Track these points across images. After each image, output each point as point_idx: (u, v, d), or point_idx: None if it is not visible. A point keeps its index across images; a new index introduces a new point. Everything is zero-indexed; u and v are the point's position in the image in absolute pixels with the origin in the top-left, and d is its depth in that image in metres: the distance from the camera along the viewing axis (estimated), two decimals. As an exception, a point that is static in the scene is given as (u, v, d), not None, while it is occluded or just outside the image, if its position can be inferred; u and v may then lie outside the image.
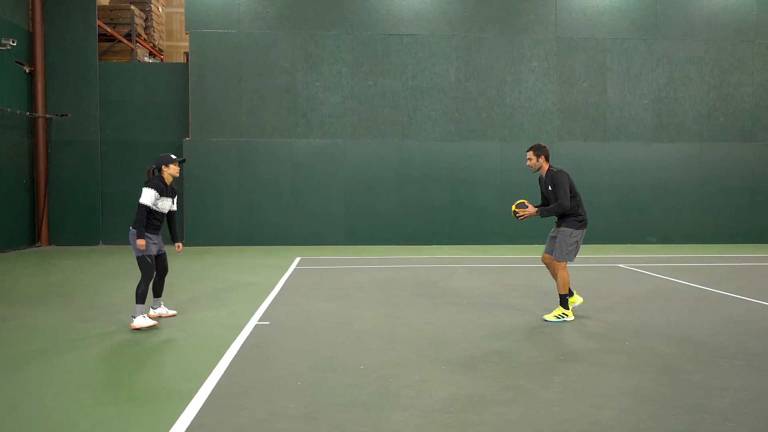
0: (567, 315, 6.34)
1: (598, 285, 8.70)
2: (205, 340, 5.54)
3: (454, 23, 15.20)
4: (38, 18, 14.56)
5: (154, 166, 6.20)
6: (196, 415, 3.67)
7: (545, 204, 6.53)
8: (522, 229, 14.79)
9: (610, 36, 15.47)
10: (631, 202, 15.62)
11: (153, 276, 6.13)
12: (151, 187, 6.03)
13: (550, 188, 6.32)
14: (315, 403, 3.88)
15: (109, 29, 15.46)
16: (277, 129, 14.99)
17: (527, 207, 6.36)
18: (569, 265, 6.43)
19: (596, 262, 11.49)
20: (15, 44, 12.93)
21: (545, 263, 6.59)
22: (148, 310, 6.44)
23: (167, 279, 6.59)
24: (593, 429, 3.47)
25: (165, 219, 6.34)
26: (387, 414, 3.69)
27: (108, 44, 15.79)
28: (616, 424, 3.52)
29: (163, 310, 6.52)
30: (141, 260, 6.02)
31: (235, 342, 5.40)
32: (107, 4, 16.29)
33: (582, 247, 6.52)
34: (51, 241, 15.00)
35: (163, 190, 6.11)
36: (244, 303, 7.29)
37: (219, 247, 14.53)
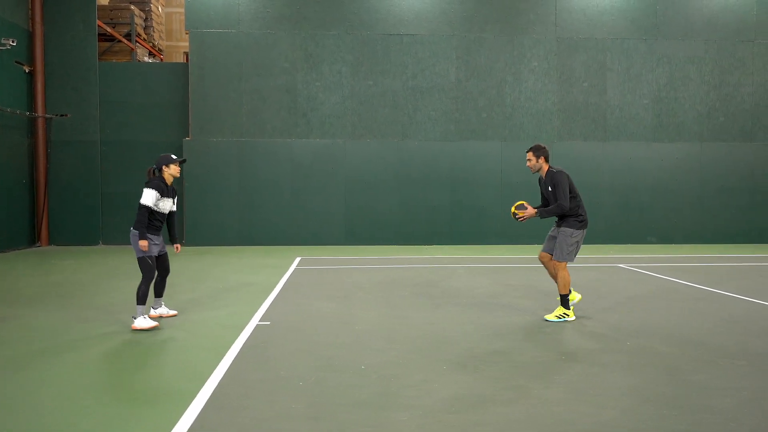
0: (568, 315, 6.33)
1: (598, 285, 8.70)
2: (205, 341, 5.54)
3: (454, 23, 15.20)
4: (38, 18, 14.55)
5: (154, 166, 6.18)
6: (198, 415, 3.67)
7: (545, 205, 6.53)
8: (522, 229, 14.76)
9: (610, 36, 15.48)
10: (631, 202, 15.62)
11: (154, 277, 6.12)
12: (152, 188, 6.01)
13: (549, 189, 6.32)
14: (317, 403, 3.87)
15: (108, 29, 15.45)
16: (277, 129, 14.98)
17: (526, 208, 6.36)
18: (569, 265, 6.42)
19: (596, 262, 11.49)
20: (15, 44, 12.93)
21: (542, 262, 6.59)
22: (149, 311, 6.43)
23: (168, 279, 6.57)
24: (596, 429, 3.46)
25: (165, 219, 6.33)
26: (389, 414, 3.68)
27: (108, 44, 15.78)
28: (619, 424, 3.52)
29: (163, 310, 6.51)
30: (142, 261, 6.00)
31: (236, 342, 5.39)
32: (107, 4, 16.27)
33: (582, 247, 6.52)
34: (51, 241, 14.99)
35: (164, 191, 6.10)
36: (245, 303, 7.29)
37: (219, 247, 14.53)
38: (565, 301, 6.33)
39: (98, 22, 15.04)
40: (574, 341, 5.51)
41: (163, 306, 6.55)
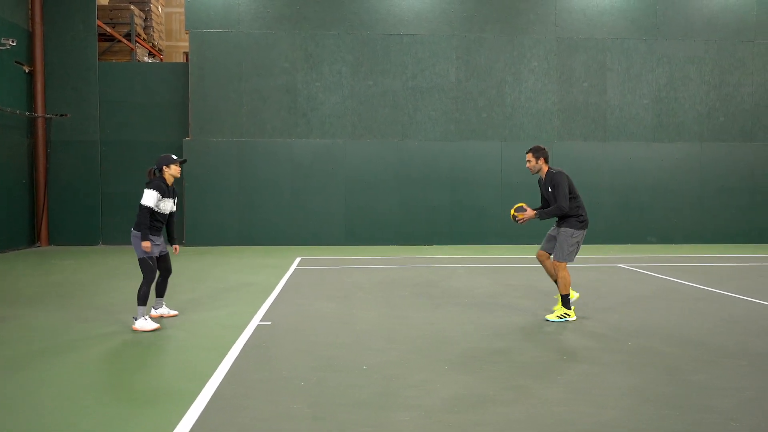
0: (569, 315, 6.33)
1: (598, 285, 8.70)
2: (206, 341, 5.53)
3: (454, 23, 15.20)
4: (38, 18, 14.54)
5: (154, 166, 6.16)
6: (200, 415, 3.66)
7: (545, 205, 6.53)
8: (522, 229, 14.75)
9: (610, 36, 15.48)
10: (631, 202, 15.62)
11: (155, 278, 6.10)
12: (153, 189, 5.99)
13: (549, 190, 6.32)
14: (319, 403, 3.87)
15: (108, 29, 15.44)
16: (277, 129, 14.98)
17: (525, 210, 6.37)
18: (568, 265, 6.43)
19: (596, 262, 11.49)
20: (15, 44, 12.92)
21: (540, 260, 6.59)
22: (150, 312, 6.42)
23: (168, 279, 6.56)
24: (596, 429, 3.46)
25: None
26: (391, 414, 3.68)
27: (107, 44, 15.78)
28: (619, 424, 3.52)
29: (164, 311, 6.50)
30: (142, 262, 5.97)
31: (236, 342, 5.39)
32: (107, 4, 16.27)
33: (582, 247, 6.52)
34: (51, 241, 14.98)
35: (165, 191, 6.08)
36: (245, 303, 7.29)
37: (219, 247, 14.52)
38: (566, 302, 6.33)
39: (98, 22, 15.04)
40: (574, 341, 5.51)
41: (164, 306, 6.54)
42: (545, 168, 6.44)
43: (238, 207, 14.90)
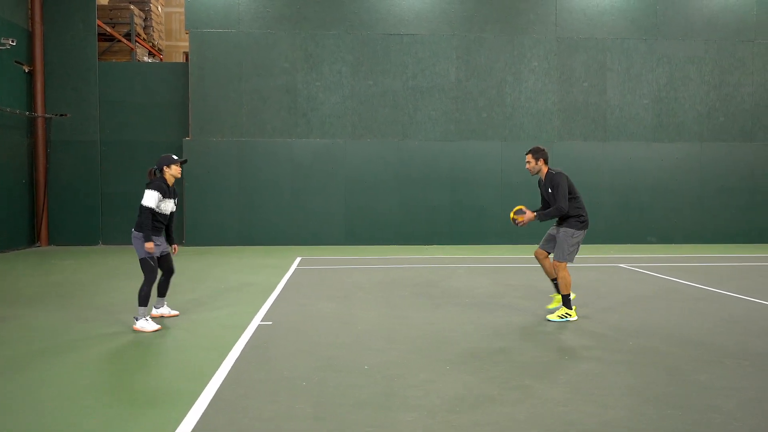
0: (570, 315, 6.33)
1: (598, 285, 8.69)
2: (207, 341, 5.53)
3: (454, 23, 15.19)
4: (38, 17, 14.53)
5: (155, 167, 6.14)
6: (201, 416, 3.65)
7: (545, 206, 6.53)
8: (522, 229, 14.72)
9: (610, 36, 15.48)
10: (631, 202, 15.62)
11: (156, 278, 6.07)
12: (154, 189, 5.96)
13: (549, 190, 6.32)
14: (321, 403, 3.86)
15: (108, 29, 15.43)
16: (277, 129, 14.97)
17: (525, 213, 6.37)
18: (568, 265, 6.43)
19: (596, 262, 11.49)
20: (14, 44, 12.90)
21: (537, 258, 6.58)
22: (151, 311, 6.40)
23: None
24: (599, 429, 3.46)
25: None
26: (395, 414, 3.68)
27: (107, 44, 15.77)
28: (622, 424, 3.51)
29: (165, 310, 6.49)
30: (144, 262, 5.95)
31: (238, 342, 5.38)
32: (106, 3, 16.26)
33: (582, 247, 6.52)
34: (50, 241, 14.97)
35: (166, 192, 6.06)
36: (246, 303, 7.28)
37: (219, 247, 14.51)
38: (567, 302, 6.33)
39: (98, 21, 15.03)
40: (575, 341, 5.51)
41: (165, 306, 6.52)
42: (545, 169, 6.44)
43: (238, 207, 14.89)
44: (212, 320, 6.37)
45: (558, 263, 6.30)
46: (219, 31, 14.78)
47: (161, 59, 17.82)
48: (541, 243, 6.59)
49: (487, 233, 15.25)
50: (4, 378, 4.44)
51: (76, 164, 14.96)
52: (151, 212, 5.93)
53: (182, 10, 16.61)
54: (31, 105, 14.61)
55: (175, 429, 3.46)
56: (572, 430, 3.45)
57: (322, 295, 7.81)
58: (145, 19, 16.70)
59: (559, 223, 6.42)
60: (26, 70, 14.42)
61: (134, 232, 5.96)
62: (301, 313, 6.70)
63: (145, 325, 5.85)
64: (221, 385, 4.22)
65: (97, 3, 14.99)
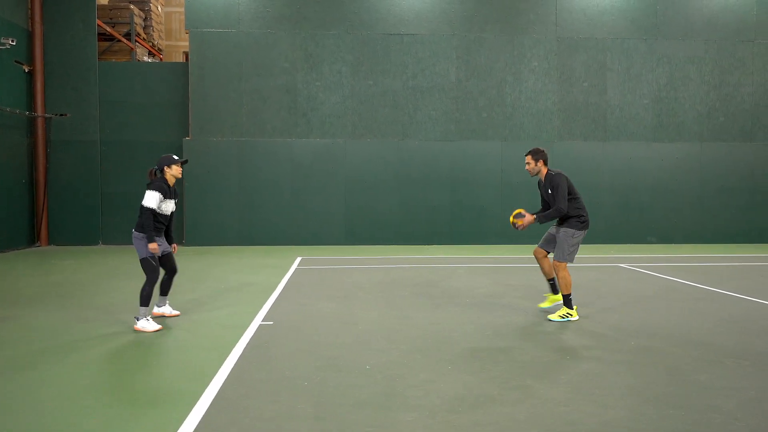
0: (571, 315, 6.33)
1: (598, 285, 8.69)
2: (207, 341, 5.53)
3: (455, 23, 15.19)
4: (37, 17, 14.52)
5: (156, 167, 6.14)
6: (204, 415, 3.65)
7: (545, 207, 6.53)
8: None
9: (610, 36, 15.48)
10: (631, 202, 15.62)
11: (157, 278, 6.05)
12: (155, 190, 5.96)
13: (549, 191, 6.33)
14: (322, 403, 3.86)
15: (108, 29, 15.43)
16: (277, 129, 14.97)
17: (524, 216, 6.37)
18: (568, 265, 6.43)
19: (596, 262, 11.49)
20: (14, 43, 12.90)
21: (536, 257, 6.59)
22: (153, 310, 6.40)
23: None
24: (600, 429, 3.46)
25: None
26: (395, 414, 3.68)
27: (107, 44, 15.76)
28: (623, 424, 3.52)
29: (167, 310, 6.49)
30: (145, 262, 5.94)
31: (239, 342, 5.38)
32: (106, 3, 16.25)
33: (582, 247, 6.54)
34: (50, 241, 14.96)
35: (167, 192, 6.05)
36: (246, 303, 7.28)
37: (219, 247, 14.51)
38: (567, 301, 6.34)
39: (98, 21, 15.02)
40: (575, 341, 5.51)
41: (167, 305, 6.52)
42: (544, 170, 6.44)
43: (238, 207, 14.89)
44: (213, 320, 6.37)
45: (558, 263, 6.30)
46: (219, 30, 14.78)
47: (161, 59, 17.82)
48: (540, 242, 6.60)
49: (487, 233, 15.25)
50: (4, 378, 4.44)
51: (76, 164, 14.96)
52: (152, 213, 5.93)
53: (182, 9, 16.61)
54: (31, 105, 14.61)
55: (177, 429, 3.46)
56: (572, 430, 3.45)
57: (322, 295, 7.81)
58: (145, 19, 16.70)
59: (560, 223, 6.42)
60: (26, 70, 14.42)
61: (135, 233, 5.96)
62: (301, 313, 6.70)
63: (146, 325, 5.85)
64: (222, 385, 4.22)
65: (97, 3, 14.98)
